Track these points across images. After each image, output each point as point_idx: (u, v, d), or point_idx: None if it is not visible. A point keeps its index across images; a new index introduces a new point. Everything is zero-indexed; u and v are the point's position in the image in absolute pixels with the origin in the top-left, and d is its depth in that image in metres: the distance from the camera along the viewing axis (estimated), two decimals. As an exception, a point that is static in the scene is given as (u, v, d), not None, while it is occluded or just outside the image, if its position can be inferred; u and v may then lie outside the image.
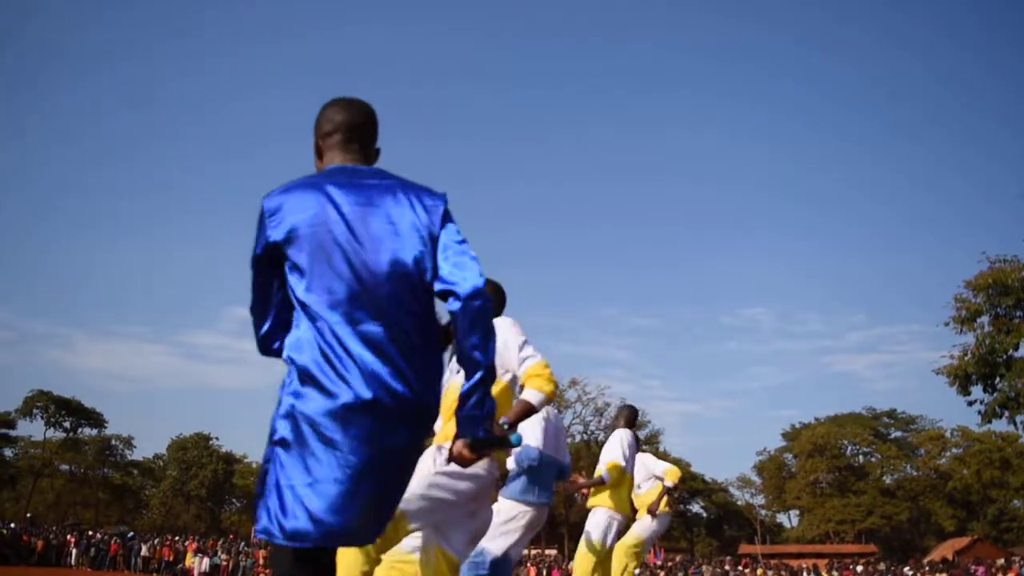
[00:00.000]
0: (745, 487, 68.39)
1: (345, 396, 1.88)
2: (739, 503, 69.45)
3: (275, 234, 2.01)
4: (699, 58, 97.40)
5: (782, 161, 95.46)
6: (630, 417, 6.56)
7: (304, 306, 1.96)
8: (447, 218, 2.08)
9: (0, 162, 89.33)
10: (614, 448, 6.25)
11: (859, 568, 29.23)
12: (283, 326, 2.10)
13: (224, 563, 29.71)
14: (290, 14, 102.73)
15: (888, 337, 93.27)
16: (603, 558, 6.12)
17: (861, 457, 64.34)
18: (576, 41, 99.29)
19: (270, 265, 2.06)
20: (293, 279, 1.99)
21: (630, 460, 6.26)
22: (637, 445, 6.52)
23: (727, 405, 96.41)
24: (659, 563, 33.87)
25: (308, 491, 1.88)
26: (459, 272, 2.00)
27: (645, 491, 7.01)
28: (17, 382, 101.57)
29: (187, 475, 62.30)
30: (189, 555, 32.31)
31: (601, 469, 6.23)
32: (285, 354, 2.01)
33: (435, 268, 2.02)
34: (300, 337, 1.97)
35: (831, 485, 61.86)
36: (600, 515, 6.22)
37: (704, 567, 31.18)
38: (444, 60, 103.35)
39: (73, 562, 33.24)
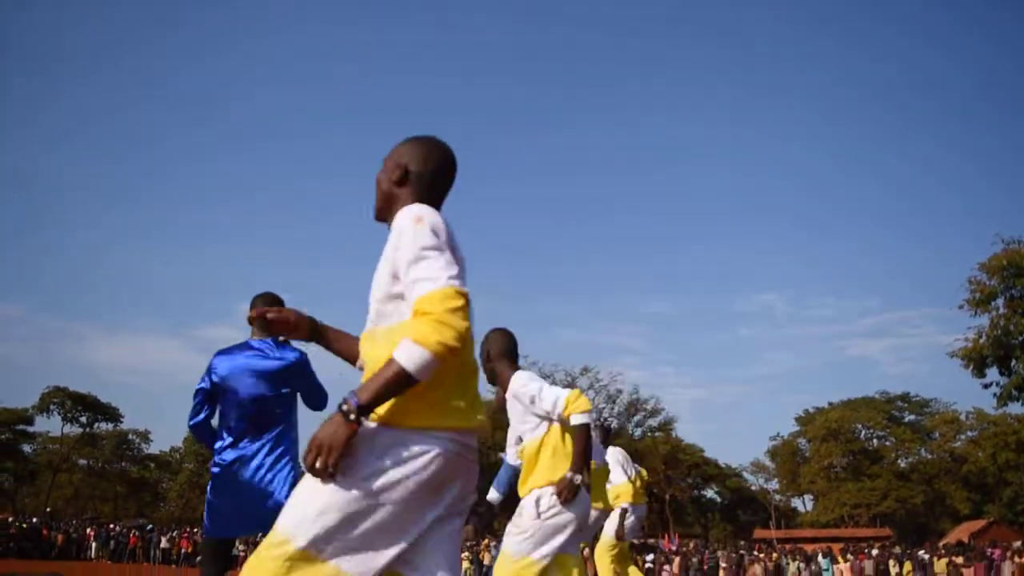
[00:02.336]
0: (759, 472, 68.43)
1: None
2: (753, 488, 69.49)
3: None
4: (711, 45, 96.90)
5: (794, 148, 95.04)
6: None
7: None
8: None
9: (14, 157, 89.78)
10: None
11: (874, 552, 29.26)
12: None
13: (241, 554, 29.95)
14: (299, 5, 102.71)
15: (902, 321, 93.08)
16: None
17: (875, 441, 64.22)
18: (584, 22, 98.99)
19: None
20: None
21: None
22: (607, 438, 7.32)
23: (740, 391, 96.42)
24: (673, 548, 33.98)
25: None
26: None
27: (616, 484, 7.24)
28: (33, 378, 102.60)
29: (204, 468, 62.72)
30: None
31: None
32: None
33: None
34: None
35: (845, 469, 61.80)
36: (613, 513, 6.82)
37: (719, 552, 31.28)
38: (449, 47, 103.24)
39: (93, 555, 33.59)
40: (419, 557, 1.93)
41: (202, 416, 4.10)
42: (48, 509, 50.19)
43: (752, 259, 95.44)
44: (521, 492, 3.79)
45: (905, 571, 26.46)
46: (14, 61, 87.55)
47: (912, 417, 64.62)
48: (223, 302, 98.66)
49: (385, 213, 2.21)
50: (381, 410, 1.87)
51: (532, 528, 3.59)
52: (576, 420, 3.58)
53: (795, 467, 64.33)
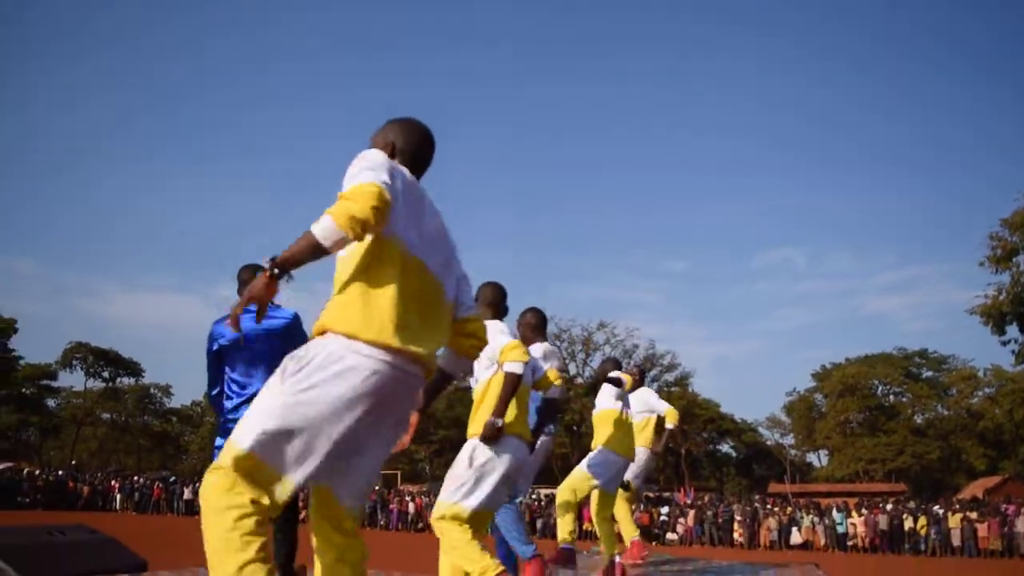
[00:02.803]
0: (775, 427, 68.62)
1: None
2: (768, 443, 69.79)
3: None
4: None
5: (813, 101, 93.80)
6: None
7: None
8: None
9: (30, 113, 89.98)
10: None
11: (888, 506, 29.44)
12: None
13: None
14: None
15: (921, 277, 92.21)
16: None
17: (892, 397, 64.20)
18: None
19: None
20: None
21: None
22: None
23: (757, 346, 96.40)
24: (688, 501, 34.32)
25: None
26: None
27: (638, 422, 7.10)
28: (54, 334, 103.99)
29: (224, 422, 63.52)
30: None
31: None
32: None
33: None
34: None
35: (861, 425, 61.89)
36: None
37: (734, 505, 31.58)
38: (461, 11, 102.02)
39: (118, 506, 34.31)
40: (332, 472, 2.16)
41: (220, 387, 4.35)
42: (73, 462, 51.14)
43: (770, 215, 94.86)
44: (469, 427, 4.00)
45: (919, 526, 26.64)
46: (33, 21, 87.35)
47: (930, 373, 64.45)
48: (237, 259, 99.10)
49: None
50: (335, 321, 2.14)
51: (465, 476, 3.80)
52: (507, 368, 3.76)
53: (811, 422, 64.47)
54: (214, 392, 4.40)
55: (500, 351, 3.82)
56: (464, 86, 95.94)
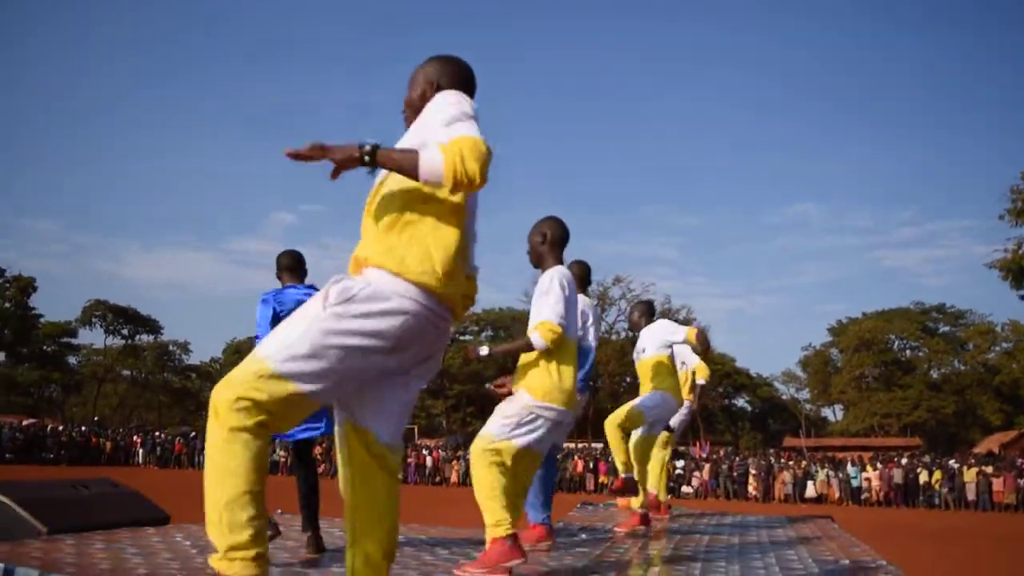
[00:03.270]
0: (790, 382, 68.75)
1: None
2: (784, 398, 69.95)
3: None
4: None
5: (830, 52, 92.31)
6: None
7: None
8: None
9: (47, 75, 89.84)
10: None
11: (903, 460, 29.54)
12: None
13: (282, 459, 30.93)
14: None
15: (939, 232, 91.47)
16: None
17: (908, 352, 64.10)
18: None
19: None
20: None
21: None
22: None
23: (773, 301, 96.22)
24: (704, 455, 34.53)
25: None
26: None
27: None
28: (73, 293, 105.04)
29: (243, 378, 64.17)
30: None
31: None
32: None
33: None
34: None
35: (877, 379, 61.89)
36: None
37: (749, 459, 31.75)
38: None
39: (140, 461, 34.91)
40: (364, 407, 2.20)
41: None
42: (96, 418, 51.84)
43: (787, 169, 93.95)
44: (515, 381, 4.07)
45: (934, 480, 26.74)
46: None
47: (947, 328, 64.21)
48: (252, 215, 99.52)
49: None
50: (385, 258, 2.12)
51: (521, 414, 3.91)
52: (530, 335, 3.95)
53: (826, 377, 64.52)
54: None
55: (537, 323, 3.96)
56: (473, 38, 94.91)
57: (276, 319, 4.44)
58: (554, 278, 4.04)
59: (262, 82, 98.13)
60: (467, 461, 31.52)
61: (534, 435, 3.95)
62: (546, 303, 3.97)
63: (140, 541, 4.42)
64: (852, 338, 62.08)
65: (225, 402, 1.96)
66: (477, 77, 2.52)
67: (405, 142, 2.22)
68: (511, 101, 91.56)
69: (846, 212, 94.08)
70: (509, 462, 3.93)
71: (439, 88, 2.37)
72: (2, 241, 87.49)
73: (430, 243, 2.13)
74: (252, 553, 1.97)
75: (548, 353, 3.94)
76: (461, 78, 2.46)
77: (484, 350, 4.07)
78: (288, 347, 2.01)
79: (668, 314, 55.52)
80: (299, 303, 4.31)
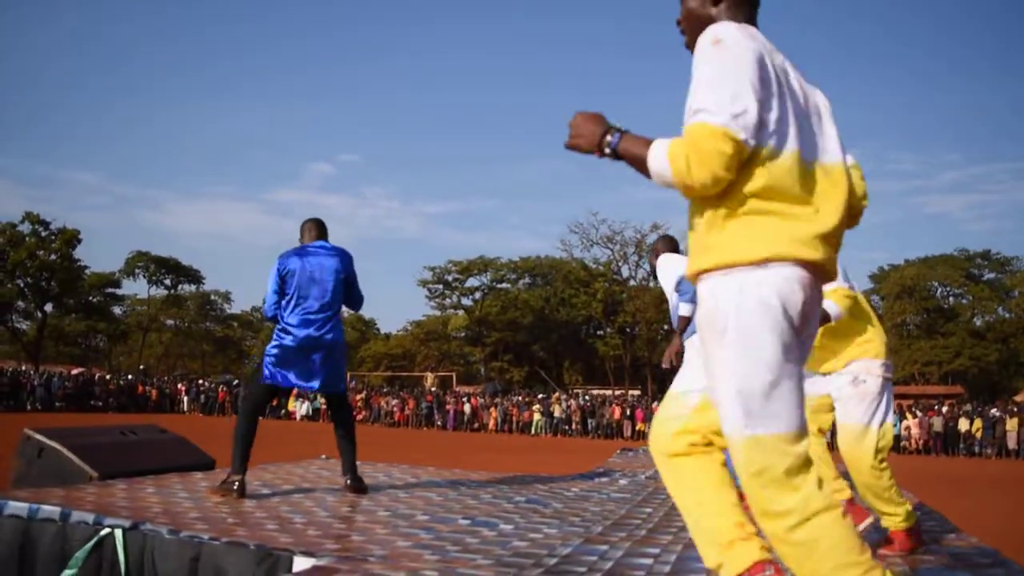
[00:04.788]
0: (830, 330, 68.03)
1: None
2: (823, 346, 69.34)
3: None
4: None
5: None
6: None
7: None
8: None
9: (83, 29, 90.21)
10: None
11: (944, 409, 29.28)
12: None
13: (323, 407, 31.46)
14: None
15: (985, 176, 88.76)
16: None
17: (951, 299, 63.10)
18: None
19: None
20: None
21: None
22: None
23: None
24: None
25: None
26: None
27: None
28: (116, 244, 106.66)
29: (284, 327, 64.99)
30: (291, 400, 34.25)
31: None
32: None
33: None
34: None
35: (919, 327, 61.13)
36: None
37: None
38: None
39: (185, 408, 35.66)
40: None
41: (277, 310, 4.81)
42: (141, 367, 53.03)
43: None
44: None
45: (974, 428, 26.50)
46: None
47: (991, 275, 63.00)
48: (291, 165, 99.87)
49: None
50: (731, 253, 1.79)
51: (876, 394, 3.53)
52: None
53: (866, 325, 63.78)
54: (275, 313, 4.93)
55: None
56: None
57: (283, 282, 4.73)
58: None
59: (308, 30, 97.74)
60: (505, 408, 31.95)
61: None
62: None
63: (189, 486, 4.53)
64: (894, 285, 61.19)
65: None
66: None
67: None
68: (562, 47, 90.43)
69: (888, 157, 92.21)
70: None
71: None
72: (47, 194, 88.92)
73: (779, 216, 1.79)
74: None
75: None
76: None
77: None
78: (745, 406, 1.76)
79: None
80: (318, 264, 4.73)
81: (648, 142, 1.82)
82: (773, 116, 1.79)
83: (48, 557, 3.22)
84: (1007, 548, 3.56)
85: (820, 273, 1.83)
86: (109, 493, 3.95)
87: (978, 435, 26.31)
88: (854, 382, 3.53)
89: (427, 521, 3.65)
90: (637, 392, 48.55)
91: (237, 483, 4.28)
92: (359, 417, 28.99)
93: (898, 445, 26.99)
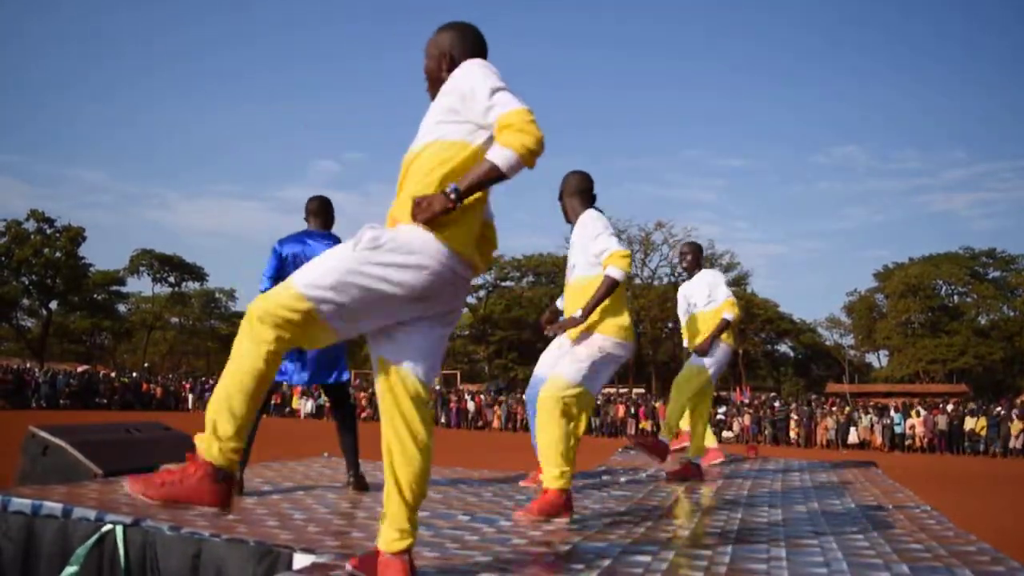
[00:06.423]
0: (834, 327, 68.02)
1: None
2: (827, 343, 69.29)
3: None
4: None
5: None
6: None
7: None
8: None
9: (90, 25, 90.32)
10: None
11: (948, 407, 29.22)
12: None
13: (327, 404, 31.53)
14: None
15: (990, 174, 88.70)
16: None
17: (956, 297, 62.95)
18: None
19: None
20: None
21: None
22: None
23: (817, 246, 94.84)
24: (746, 401, 34.49)
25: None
26: None
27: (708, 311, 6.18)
28: (120, 242, 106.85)
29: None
30: (295, 398, 34.32)
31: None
32: None
33: None
34: None
35: (923, 325, 60.99)
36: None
37: (791, 404, 31.67)
38: None
39: (190, 406, 35.72)
40: (395, 345, 2.37)
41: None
42: (146, 364, 53.14)
43: (832, 110, 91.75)
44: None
45: (979, 427, 26.44)
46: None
47: (996, 274, 62.83)
48: (296, 162, 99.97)
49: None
50: (408, 213, 2.27)
51: (593, 357, 3.92)
52: (609, 272, 3.90)
53: (871, 323, 63.70)
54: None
55: (610, 252, 3.93)
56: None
57: (282, 266, 4.61)
58: (594, 216, 4.10)
59: (310, 28, 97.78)
60: (509, 406, 31.96)
61: (603, 377, 4.01)
62: (603, 234, 3.99)
63: (191, 483, 4.53)
64: (898, 283, 61.06)
65: (256, 312, 2.23)
66: (489, 40, 2.63)
67: (435, 113, 2.42)
68: (547, 45, 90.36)
69: (893, 154, 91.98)
70: (576, 409, 3.92)
71: (452, 59, 2.53)
72: (51, 191, 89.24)
73: (465, 207, 2.30)
74: (232, 445, 2.22)
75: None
76: (474, 44, 2.58)
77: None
78: (315, 277, 2.21)
79: (711, 259, 55.13)
80: (296, 256, 4.59)
81: (479, 164, 2.26)
82: None
83: (51, 553, 3.24)
84: (1009, 546, 3.56)
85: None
86: (111, 490, 3.97)
87: (983, 433, 26.26)
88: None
89: (427, 517, 3.66)
90: (641, 390, 48.54)
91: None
92: (363, 415, 29.04)
93: (903, 443, 26.96)
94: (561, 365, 3.94)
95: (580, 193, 4.32)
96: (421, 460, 2.33)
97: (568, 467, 3.74)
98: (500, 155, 2.22)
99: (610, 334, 3.95)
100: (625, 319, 4.02)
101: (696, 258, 6.46)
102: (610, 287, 3.88)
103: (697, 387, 6.01)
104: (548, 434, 3.77)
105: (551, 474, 3.71)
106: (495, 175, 2.23)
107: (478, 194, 2.31)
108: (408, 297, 2.24)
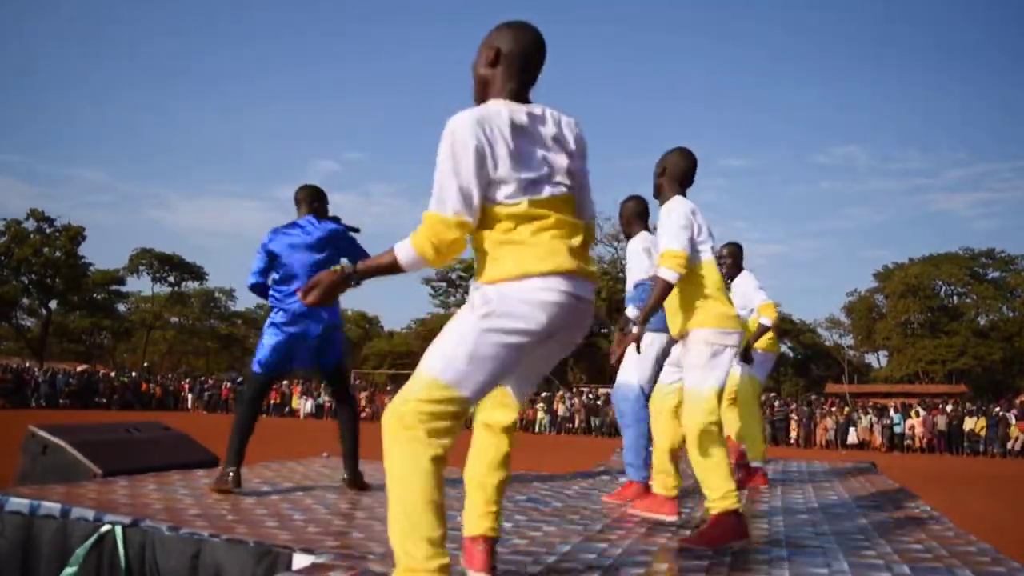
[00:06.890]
0: (833, 328, 68.01)
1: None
2: (827, 343, 69.26)
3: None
4: None
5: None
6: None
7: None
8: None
9: (91, 24, 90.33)
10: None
11: (948, 407, 29.21)
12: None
13: (327, 404, 31.47)
14: None
15: (990, 174, 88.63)
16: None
17: (956, 298, 62.91)
18: None
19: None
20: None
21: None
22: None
23: (817, 246, 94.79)
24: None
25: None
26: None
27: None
28: (120, 241, 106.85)
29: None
30: (295, 397, 34.30)
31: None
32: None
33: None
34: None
35: (922, 326, 60.95)
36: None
37: (792, 405, 31.66)
38: None
39: (189, 406, 35.70)
40: (519, 379, 2.50)
41: (260, 280, 4.72)
42: (145, 364, 53.07)
43: (833, 110, 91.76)
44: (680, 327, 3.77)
45: (978, 427, 26.43)
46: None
47: (996, 274, 62.78)
48: (296, 162, 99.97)
49: (483, 98, 2.36)
50: (496, 272, 2.16)
51: (708, 355, 3.59)
52: (659, 273, 3.60)
53: (871, 323, 63.68)
54: (256, 282, 4.79)
55: (663, 252, 3.62)
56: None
57: (272, 260, 4.62)
58: (673, 208, 3.75)
59: (312, 27, 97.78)
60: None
61: (725, 364, 3.60)
62: (664, 233, 3.68)
63: (191, 483, 4.54)
64: (898, 284, 61.03)
65: (401, 415, 2.09)
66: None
67: None
68: (566, 47, 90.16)
69: (894, 154, 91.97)
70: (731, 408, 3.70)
71: (499, 53, 2.33)
72: (51, 191, 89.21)
73: (527, 243, 2.17)
74: (435, 564, 2.03)
75: (693, 281, 3.65)
76: (524, 42, 2.34)
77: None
78: (448, 358, 2.12)
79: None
80: (300, 245, 4.58)
81: (383, 254, 2.22)
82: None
83: (50, 554, 3.23)
84: (1009, 546, 3.56)
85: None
86: (110, 490, 3.97)
87: (982, 434, 26.25)
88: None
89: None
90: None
91: (232, 475, 4.29)
92: (363, 415, 29.01)
93: (902, 444, 26.95)
94: (689, 381, 3.61)
95: (679, 178, 3.97)
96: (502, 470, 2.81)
97: (732, 485, 3.39)
98: (405, 252, 2.17)
99: (710, 327, 3.59)
100: (721, 307, 3.65)
101: (736, 261, 6.17)
102: (662, 290, 3.56)
103: (756, 396, 6.00)
104: (705, 456, 3.44)
105: (714, 497, 3.39)
106: (393, 265, 2.20)
107: (536, 232, 2.17)
108: (537, 339, 2.16)
